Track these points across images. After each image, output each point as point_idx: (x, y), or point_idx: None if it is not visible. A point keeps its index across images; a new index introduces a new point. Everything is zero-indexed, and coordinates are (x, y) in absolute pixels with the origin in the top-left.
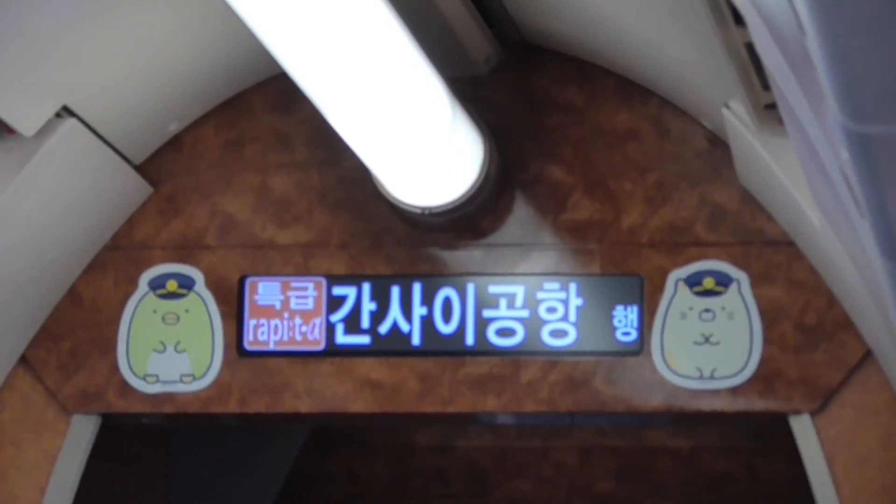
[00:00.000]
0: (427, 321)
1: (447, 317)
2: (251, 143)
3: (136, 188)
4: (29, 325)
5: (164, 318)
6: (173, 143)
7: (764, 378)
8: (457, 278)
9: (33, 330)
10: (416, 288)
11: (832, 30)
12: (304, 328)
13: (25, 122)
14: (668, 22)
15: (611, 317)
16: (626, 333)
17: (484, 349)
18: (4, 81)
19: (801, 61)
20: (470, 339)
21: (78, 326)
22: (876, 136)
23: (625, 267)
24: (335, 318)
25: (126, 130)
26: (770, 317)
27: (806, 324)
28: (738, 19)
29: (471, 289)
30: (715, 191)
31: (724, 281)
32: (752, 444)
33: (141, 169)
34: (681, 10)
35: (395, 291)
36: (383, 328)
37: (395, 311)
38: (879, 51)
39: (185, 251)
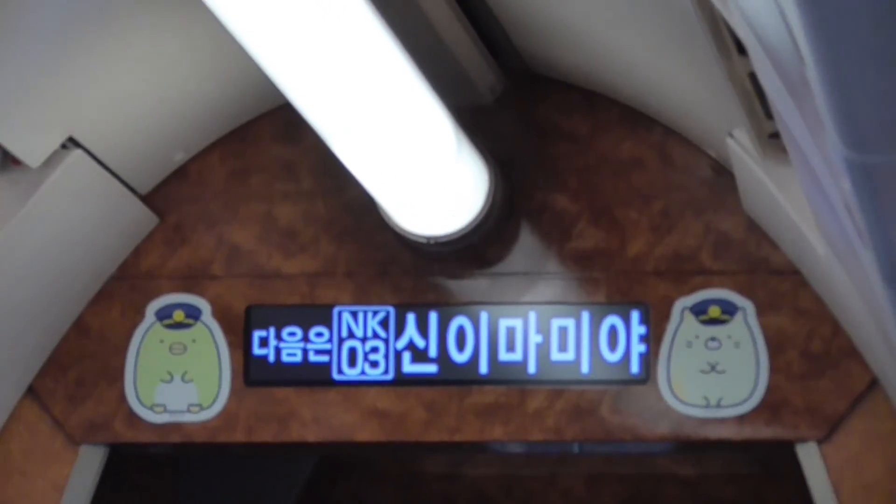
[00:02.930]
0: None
1: (461, 346)
2: (257, 172)
3: (142, 218)
4: (36, 356)
5: (171, 348)
6: (179, 173)
7: (770, 406)
8: (465, 307)
9: (40, 360)
10: (432, 316)
11: (831, 59)
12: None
13: (31, 153)
14: (671, 52)
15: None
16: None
17: (491, 378)
18: (10, 112)
19: (802, 91)
20: (483, 368)
21: (85, 357)
22: (876, 165)
23: (631, 295)
24: None
25: (132, 161)
26: (776, 345)
27: (811, 352)
28: (741, 49)
29: (484, 317)
30: (720, 219)
31: (729, 309)
32: (759, 472)
33: (147, 199)
34: (684, 40)
35: (411, 318)
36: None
37: (403, 339)
38: (879, 80)
39: (191, 281)
